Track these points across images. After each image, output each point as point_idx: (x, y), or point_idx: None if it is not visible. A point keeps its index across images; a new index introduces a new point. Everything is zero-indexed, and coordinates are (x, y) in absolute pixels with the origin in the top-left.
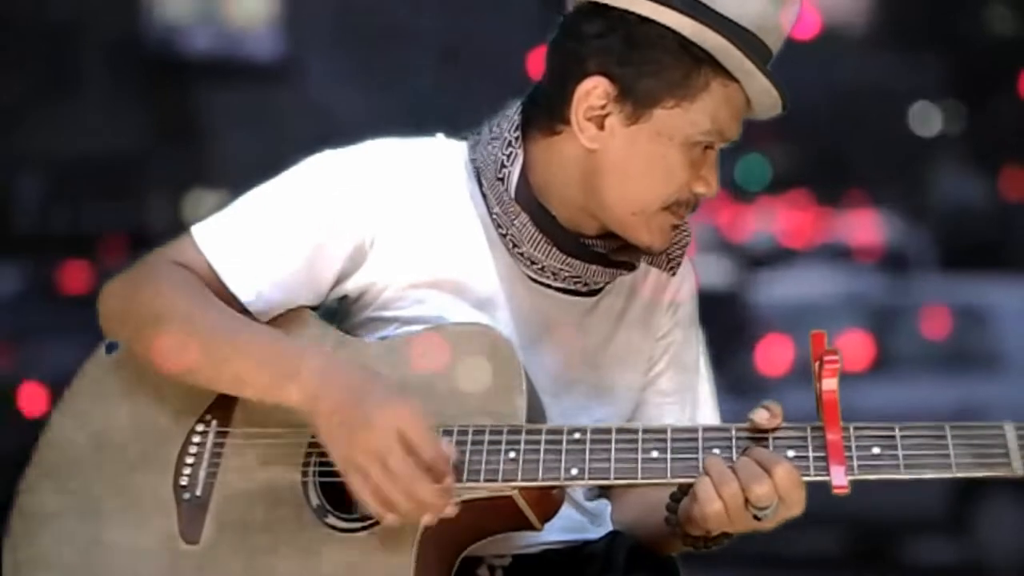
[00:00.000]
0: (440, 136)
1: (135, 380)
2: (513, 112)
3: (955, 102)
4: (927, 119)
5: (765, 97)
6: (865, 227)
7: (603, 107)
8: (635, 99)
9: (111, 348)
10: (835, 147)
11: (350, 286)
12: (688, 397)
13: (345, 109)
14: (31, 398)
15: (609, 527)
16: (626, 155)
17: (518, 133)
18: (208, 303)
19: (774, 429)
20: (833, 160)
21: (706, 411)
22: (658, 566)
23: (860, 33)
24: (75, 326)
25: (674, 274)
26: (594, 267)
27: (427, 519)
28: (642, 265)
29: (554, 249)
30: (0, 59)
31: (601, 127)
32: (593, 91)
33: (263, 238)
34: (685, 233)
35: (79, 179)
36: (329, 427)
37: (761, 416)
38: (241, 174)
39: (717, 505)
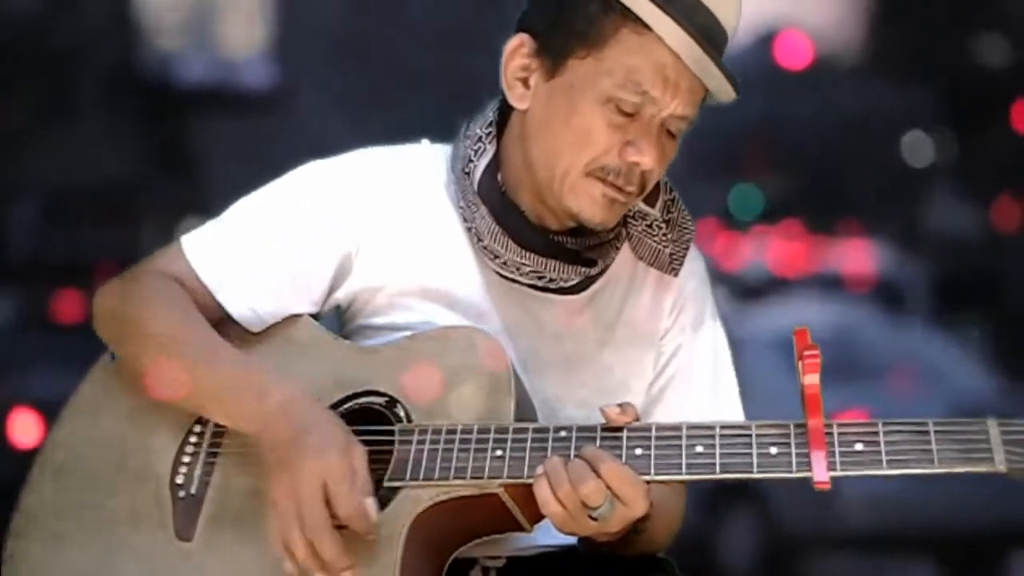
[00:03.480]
0: (425, 142)
1: (135, 385)
2: (489, 110)
3: (948, 132)
4: (920, 149)
5: (688, 52)
6: (858, 257)
7: (528, 65)
8: (551, 52)
9: (116, 355)
10: (827, 176)
11: (341, 295)
12: (704, 411)
13: (340, 138)
14: (23, 427)
15: None
16: (547, 112)
17: (491, 130)
18: (191, 325)
19: (620, 428)
20: (826, 189)
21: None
22: (654, 569)
23: (853, 63)
24: (68, 355)
25: (676, 274)
26: (552, 262)
27: None
28: (641, 265)
29: (511, 242)
30: None
31: (527, 85)
32: (518, 49)
33: (251, 250)
34: (687, 231)
35: (73, 207)
36: (269, 460)
37: (612, 411)
38: (235, 202)
39: (555, 507)
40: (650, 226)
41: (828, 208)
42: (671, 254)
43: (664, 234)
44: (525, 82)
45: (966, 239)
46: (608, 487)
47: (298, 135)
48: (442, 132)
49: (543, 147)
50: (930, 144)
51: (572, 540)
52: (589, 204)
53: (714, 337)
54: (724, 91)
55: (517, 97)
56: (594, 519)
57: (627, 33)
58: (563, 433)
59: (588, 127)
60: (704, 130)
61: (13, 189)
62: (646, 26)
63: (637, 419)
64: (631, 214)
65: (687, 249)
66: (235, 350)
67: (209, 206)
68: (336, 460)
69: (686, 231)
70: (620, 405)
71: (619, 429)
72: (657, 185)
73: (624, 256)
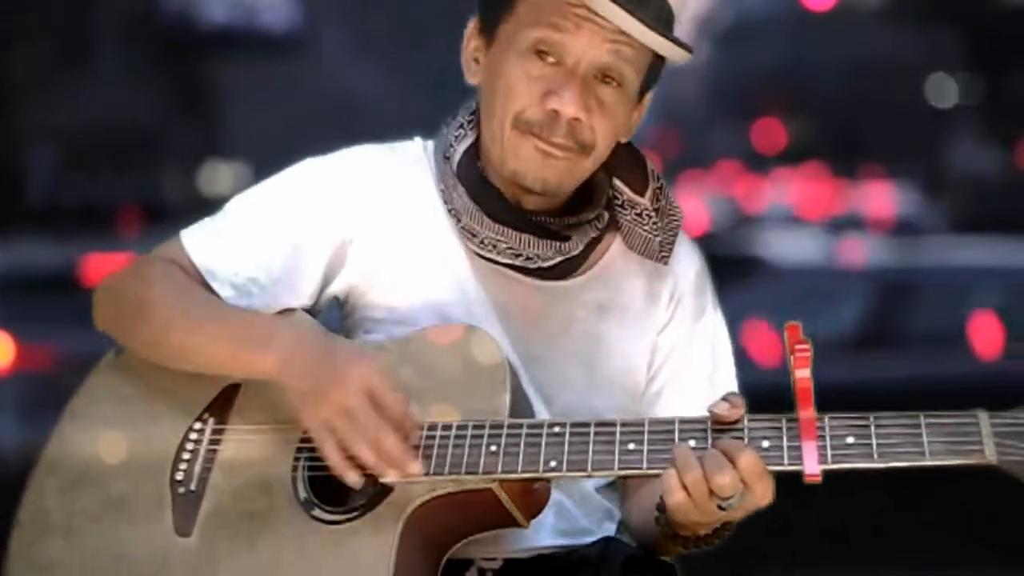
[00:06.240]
0: (417, 139)
1: (137, 382)
2: (473, 100)
3: (971, 74)
4: (943, 91)
5: None
6: (880, 199)
7: (478, 45)
8: (486, 25)
9: (119, 351)
10: (851, 119)
11: (336, 288)
12: (702, 405)
13: (361, 80)
14: None
15: (605, 531)
16: (486, 80)
17: (472, 117)
18: (189, 288)
19: (737, 421)
20: (849, 132)
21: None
22: (657, 572)
23: (876, 4)
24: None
25: (666, 262)
26: (526, 236)
27: (391, 476)
28: (634, 255)
29: (485, 217)
30: (16, 30)
31: (479, 63)
32: (471, 32)
33: (245, 239)
34: (675, 218)
35: (95, 150)
36: (300, 391)
37: (721, 408)
38: (257, 145)
39: (680, 495)
40: (640, 215)
41: (851, 150)
42: (661, 242)
43: (654, 223)
44: (477, 61)
45: (989, 180)
46: (742, 478)
47: (319, 77)
48: (462, 75)
49: (486, 115)
50: (953, 86)
51: (570, 541)
52: (524, 161)
53: (713, 330)
54: (644, 36)
55: (471, 74)
56: (723, 509)
57: None
58: (557, 429)
59: (511, 82)
60: (727, 72)
61: (34, 133)
62: None
63: (745, 411)
64: (621, 203)
65: (675, 236)
66: (234, 307)
67: (230, 149)
68: (372, 368)
69: (674, 218)
70: (726, 399)
71: (612, 424)
72: (645, 174)
73: (616, 247)
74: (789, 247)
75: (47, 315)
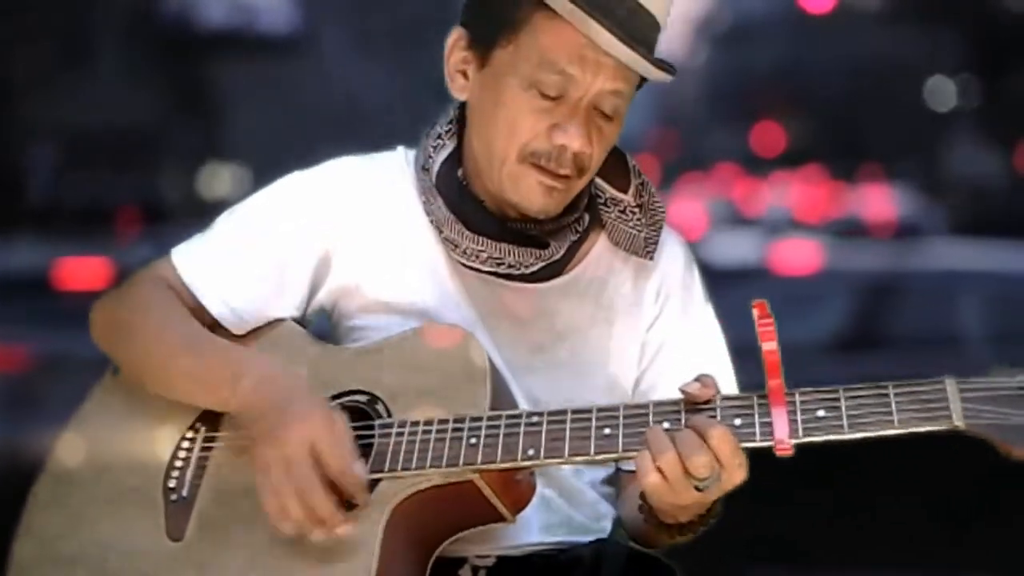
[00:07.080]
0: (400, 148)
1: (134, 397)
2: (452, 108)
3: (970, 77)
4: (942, 94)
5: (598, 36)
6: (879, 202)
7: (466, 58)
8: (480, 43)
9: (117, 370)
10: (850, 121)
11: (322, 297)
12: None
13: (360, 81)
14: None
15: (601, 530)
16: (480, 101)
17: (450, 126)
18: (176, 319)
19: (708, 401)
20: (848, 134)
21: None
22: (656, 572)
23: (875, 7)
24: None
25: (651, 258)
26: (506, 246)
27: (317, 534)
28: (620, 252)
29: (464, 229)
30: (16, 30)
31: (467, 77)
32: (457, 43)
33: (231, 253)
34: (659, 214)
35: (94, 151)
36: (256, 432)
37: (693, 388)
38: (256, 147)
39: (654, 476)
40: (623, 212)
41: (850, 152)
42: (646, 238)
43: (638, 219)
44: (465, 75)
45: (988, 183)
46: (716, 456)
47: (319, 78)
48: None
49: (480, 137)
50: (953, 89)
51: (565, 538)
52: (527, 192)
53: (703, 322)
54: (651, 73)
55: (458, 89)
56: (699, 490)
57: (540, 18)
58: (535, 419)
59: (514, 114)
60: (725, 75)
61: (33, 133)
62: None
63: (718, 391)
64: (603, 201)
65: (659, 231)
66: (216, 338)
67: (230, 150)
68: (321, 423)
69: (658, 214)
70: (698, 379)
71: (588, 411)
72: (627, 171)
73: (601, 244)
74: (786, 250)
75: (22, 316)
